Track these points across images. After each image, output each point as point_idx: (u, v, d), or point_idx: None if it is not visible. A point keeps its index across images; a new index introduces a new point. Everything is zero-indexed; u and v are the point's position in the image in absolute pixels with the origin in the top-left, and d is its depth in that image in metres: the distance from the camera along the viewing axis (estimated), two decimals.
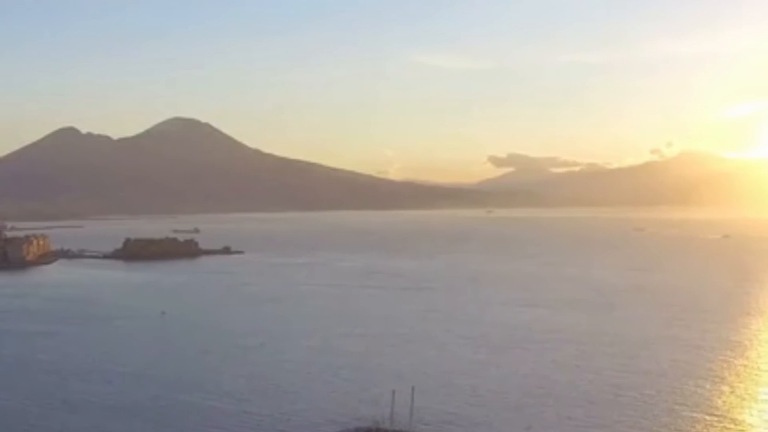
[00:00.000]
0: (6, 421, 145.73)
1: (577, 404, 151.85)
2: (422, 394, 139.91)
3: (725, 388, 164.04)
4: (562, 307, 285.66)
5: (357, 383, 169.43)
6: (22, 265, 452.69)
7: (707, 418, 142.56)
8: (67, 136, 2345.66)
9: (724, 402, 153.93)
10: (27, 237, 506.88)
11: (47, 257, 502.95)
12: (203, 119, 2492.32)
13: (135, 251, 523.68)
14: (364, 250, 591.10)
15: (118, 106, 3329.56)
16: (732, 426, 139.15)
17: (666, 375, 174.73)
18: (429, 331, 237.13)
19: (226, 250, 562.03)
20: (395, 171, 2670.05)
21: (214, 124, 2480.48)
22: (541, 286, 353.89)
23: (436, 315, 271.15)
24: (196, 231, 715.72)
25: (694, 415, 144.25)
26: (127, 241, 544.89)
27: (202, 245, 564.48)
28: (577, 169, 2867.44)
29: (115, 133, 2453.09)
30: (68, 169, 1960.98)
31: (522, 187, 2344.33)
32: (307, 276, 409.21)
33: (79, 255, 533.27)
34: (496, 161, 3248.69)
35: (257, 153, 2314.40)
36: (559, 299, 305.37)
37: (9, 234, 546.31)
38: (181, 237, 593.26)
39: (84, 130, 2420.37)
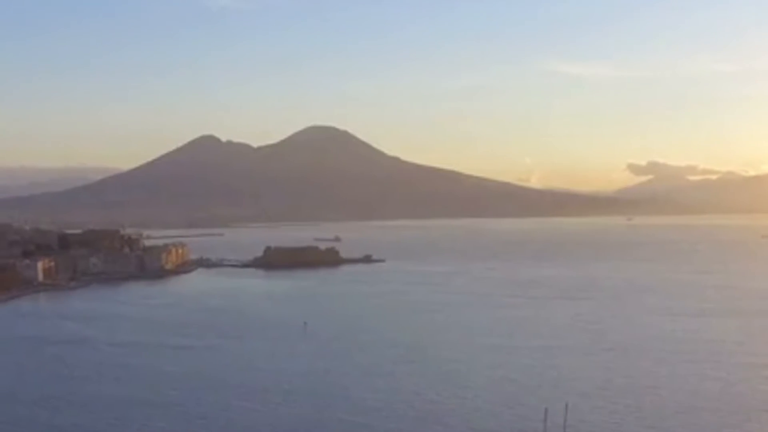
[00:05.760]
0: None
1: (738, 422, 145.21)
2: (576, 411, 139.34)
3: None
4: (712, 315, 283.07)
5: (508, 398, 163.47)
6: (159, 274, 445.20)
7: None
8: (207, 143, 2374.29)
9: None
10: (165, 246, 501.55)
11: (186, 266, 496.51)
12: (341, 127, 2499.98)
13: (275, 260, 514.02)
14: (508, 258, 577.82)
15: (257, 114, 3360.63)
16: None
17: None
18: (580, 342, 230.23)
19: (367, 259, 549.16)
20: (535, 179, 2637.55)
21: (352, 131, 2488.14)
22: (688, 294, 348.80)
23: (587, 325, 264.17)
24: (337, 239, 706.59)
25: None
26: (268, 250, 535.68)
27: (343, 254, 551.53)
28: (714, 177, 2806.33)
29: (255, 141, 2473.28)
30: (209, 177, 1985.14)
31: (660, 195, 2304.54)
32: (451, 285, 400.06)
33: (218, 264, 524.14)
34: (635, 169, 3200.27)
35: (396, 161, 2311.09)
36: (707, 308, 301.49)
37: (147, 243, 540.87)
38: (322, 245, 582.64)
39: (224, 138, 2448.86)
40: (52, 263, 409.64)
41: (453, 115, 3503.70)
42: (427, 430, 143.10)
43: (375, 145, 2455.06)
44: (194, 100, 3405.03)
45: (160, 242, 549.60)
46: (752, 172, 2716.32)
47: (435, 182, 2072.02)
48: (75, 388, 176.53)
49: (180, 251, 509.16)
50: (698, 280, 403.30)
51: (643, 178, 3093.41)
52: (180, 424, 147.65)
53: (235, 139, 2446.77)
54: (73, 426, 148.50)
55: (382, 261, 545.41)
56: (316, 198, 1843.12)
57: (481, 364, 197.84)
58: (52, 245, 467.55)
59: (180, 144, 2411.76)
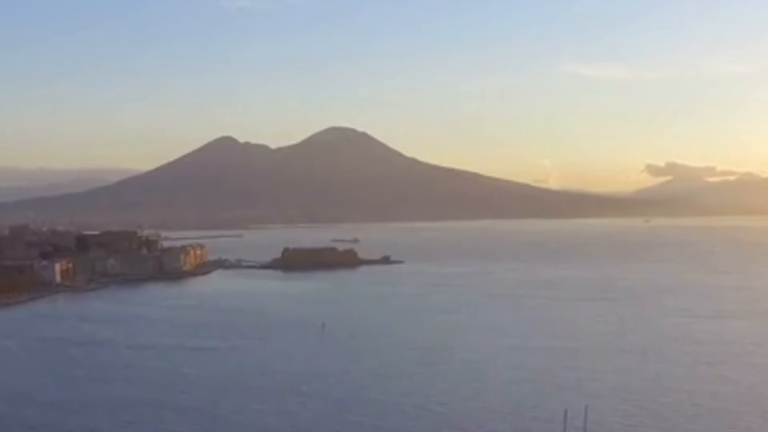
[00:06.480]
0: None
1: (758, 425, 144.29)
2: (596, 414, 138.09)
3: None
4: (731, 317, 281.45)
5: (527, 400, 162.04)
6: (177, 275, 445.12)
7: None
8: (225, 145, 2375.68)
9: None
10: (183, 247, 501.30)
11: (204, 267, 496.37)
12: (359, 128, 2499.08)
13: (294, 261, 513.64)
14: (527, 259, 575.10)
15: (275, 115, 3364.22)
16: None
17: None
18: (600, 343, 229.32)
19: (386, 260, 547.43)
20: (554, 180, 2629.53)
21: (371, 133, 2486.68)
22: (707, 295, 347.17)
23: (606, 326, 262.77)
24: (356, 240, 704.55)
25: None
26: (286, 251, 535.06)
27: (362, 255, 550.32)
28: (732, 178, 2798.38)
29: (273, 142, 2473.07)
30: (227, 178, 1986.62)
31: (678, 196, 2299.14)
32: (470, 286, 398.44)
33: (237, 265, 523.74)
34: (654, 170, 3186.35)
35: (414, 162, 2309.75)
36: (727, 309, 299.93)
37: (165, 244, 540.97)
38: (340, 246, 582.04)
39: (242, 139, 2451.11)
40: (70, 264, 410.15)
41: (470, 116, 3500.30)
42: None
43: (393, 146, 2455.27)
44: (212, 102, 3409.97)
45: (178, 243, 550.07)
46: None
47: (453, 183, 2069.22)
48: (91, 390, 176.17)
49: (198, 252, 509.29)
50: (717, 282, 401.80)
51: (662, 179, 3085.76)
52: (194, 427, 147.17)
53: (254, 141, 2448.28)
54: (87, 428, 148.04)
55: (401, 262, 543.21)
56: (335, 199, 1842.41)
57: (501, 365, 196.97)
58: (70, 246, 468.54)
59: (198, 145, 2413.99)
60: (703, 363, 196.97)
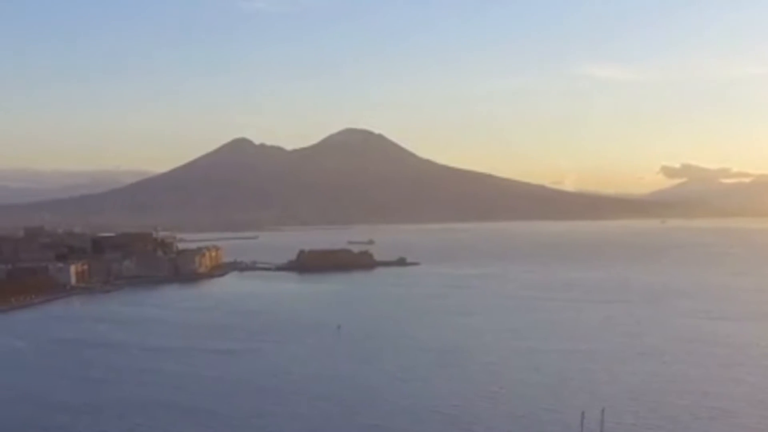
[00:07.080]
0: None
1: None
2: (612, 415, 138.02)
3: None
4: (747, 318, 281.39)
5: (543, 402, 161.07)
6: (193, 277, 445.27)
7: None
8: (240, 146, 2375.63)
9: None
10: (199, 249, 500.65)
11: (219, 269, 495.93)
12: (375, 130, 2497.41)
13: (309, 263, 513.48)
14: (543, 261, 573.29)
15: (290, 117, 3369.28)
16: None
17: None
18: (616, 345, 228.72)
19: (402, 262, 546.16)
20: (569, 182, 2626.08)
21: (386, 134, 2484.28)
22: (722, 297, 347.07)
23: (622, 328, 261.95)
24: (371, 242, 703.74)
25: None
26: (301, 253, 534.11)
27: (377, 256, 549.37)
28: (747, 180, 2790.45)
29: (288, 144, 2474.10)
30: (242, 180, 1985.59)
31: (693, 198, 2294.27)
32: (486, 288, 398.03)
33: (252, 267, 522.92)
34: (669, 171, 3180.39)
35: (429, 163, 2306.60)
36: (742, 311, 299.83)
37: (180, 246, 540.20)
38: (355, 248, 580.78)
39: (257, 141, 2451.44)
40: (85, 266, 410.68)
41: (485, 117, 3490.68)
42: None
43: (408, 147, 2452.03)
44: (228, 103, 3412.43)
45: (193, 245, 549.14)
46: None
47: (468, 185, 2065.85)
48: (105, 392, 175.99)
49: (213, 254, 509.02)
50: (732, 283, 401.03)
51: (677, 181, 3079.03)
52: (207, 430, 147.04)
53: (269, 142, 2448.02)
54: (99, 430, 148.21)
55: (417, 264, 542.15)
56: (350, 201, 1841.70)
57: (517, 367, 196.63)
58: (86, 248, 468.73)
59: (214, 147, 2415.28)
60: (719, 365, 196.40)
